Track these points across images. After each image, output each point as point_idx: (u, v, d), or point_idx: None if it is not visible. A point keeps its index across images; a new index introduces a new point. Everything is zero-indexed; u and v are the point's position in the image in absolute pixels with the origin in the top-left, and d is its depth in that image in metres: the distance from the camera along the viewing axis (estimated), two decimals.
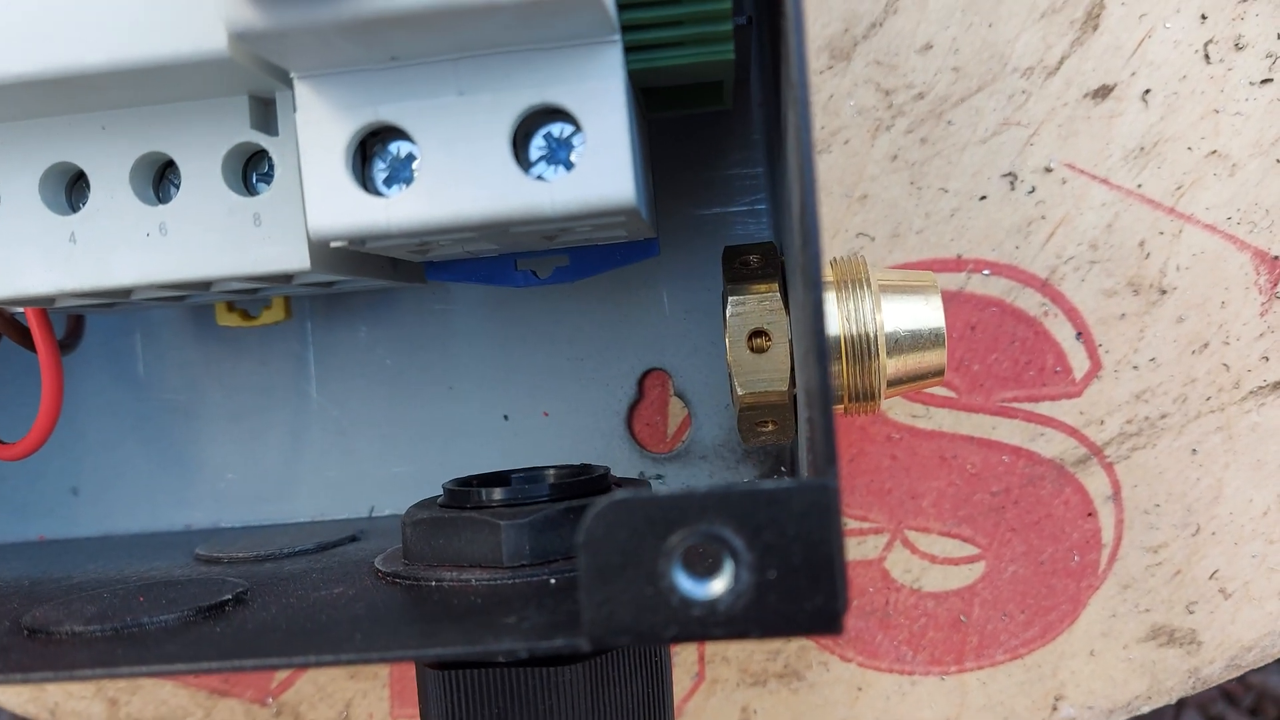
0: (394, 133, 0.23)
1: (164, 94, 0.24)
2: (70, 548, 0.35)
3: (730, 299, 0.28)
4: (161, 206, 0.25)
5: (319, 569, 0.28)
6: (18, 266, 0.25)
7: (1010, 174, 0.34)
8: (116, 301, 0.28)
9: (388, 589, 0.25)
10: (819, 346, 0.19)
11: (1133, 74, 0.34)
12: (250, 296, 0.31)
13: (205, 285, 0.26)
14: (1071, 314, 0.34)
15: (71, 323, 0.34)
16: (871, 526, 0.35)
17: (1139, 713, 0.34)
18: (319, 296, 0.35)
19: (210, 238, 0.25)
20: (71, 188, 0.26)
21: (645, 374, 0.35)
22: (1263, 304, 0.33)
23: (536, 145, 0.23)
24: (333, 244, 0.23)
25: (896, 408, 0.35)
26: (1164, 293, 0.34)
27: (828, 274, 0.29)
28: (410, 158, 0.23)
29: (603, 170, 0.22)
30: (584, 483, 0.27)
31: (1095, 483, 0.34)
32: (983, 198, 0.34)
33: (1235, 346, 0.33)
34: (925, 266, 0.34)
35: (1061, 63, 0.34)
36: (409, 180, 0.22)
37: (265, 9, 0.19)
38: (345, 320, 0.36)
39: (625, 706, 0.26)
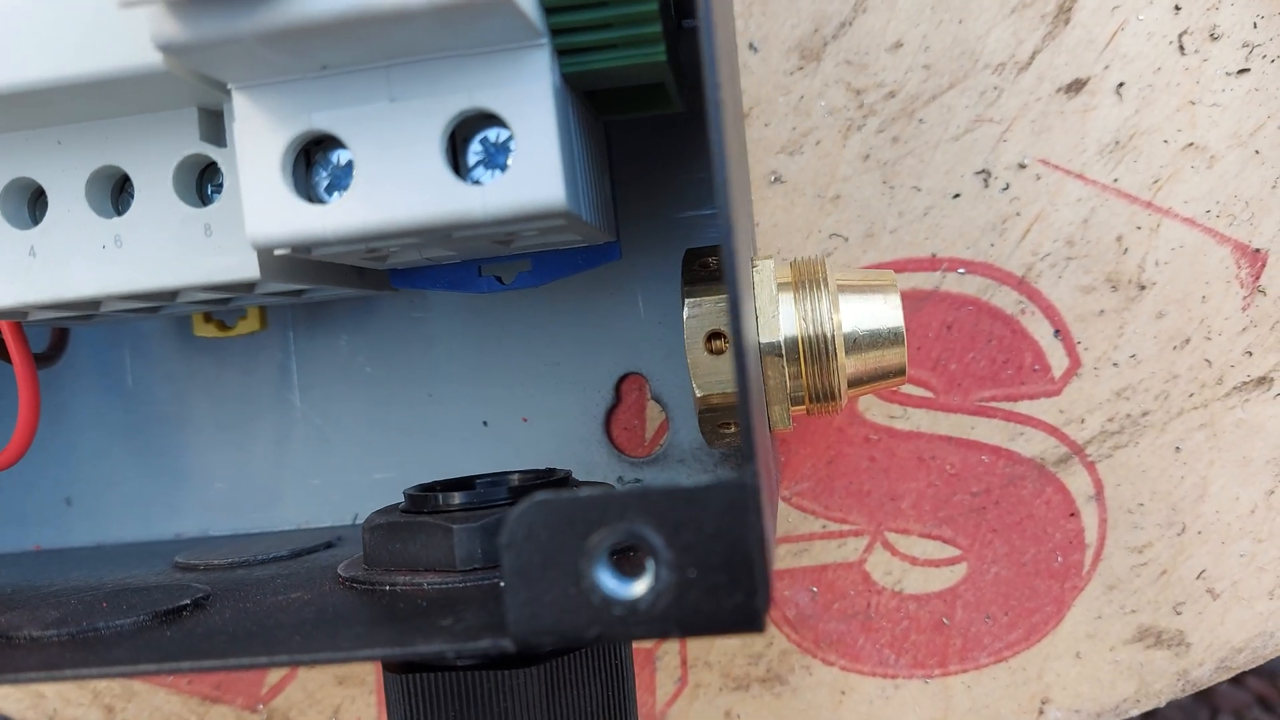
0: (335, 141, 0.23)
1: (114, 108, 0.24)
2: (63, 557, 0.36)
3: (687, 301, 0.28)
4: (117, 219, 0.25)
5: (285, 575, 0.28)
6: None
7: (984, 171, 0.34)
8: (89, 314, 0.29)
9: (343, 593, 0.25)
10: (737, 343, 0.19)
11: (1106, 67, 0.33)
12: (223, 307, 0.31)
13: (169, 295, 0.27)
14: (1049, 311, 0.33)
15: (55, 335, 0.35)
16: (851, 528, 0.34)
17: (1127, 715, 0.33)
18: (299, 306, 0.36)
19: (164, 249, 0.25)
20: (35, 203, 0.26)
21: (622, 378, 0.35)
22: (1245, 298, 0.33)
23: (474, 150, 0.23)
24: (276, 252, 0.24)
25: (874, 408, 0.34)
26: (1143, 288, 0.33)
27: (786, 275, 0.28)
28: (350, 165, 0.23)
29: (533, 173, 0.22)
30: (543, 486, 0.27)
31: (1077, 482, 0.33)
32: (956, 196, 0.34)
33: (1217, 342, 0.33)
34: (900, 266, 0.34)
35: (1033, 58, 0.33)
36: (348, 188, 0.23)
37: (186, 23, 0.20)
38: (326, 329, 0.36)
39: (584, 710, 0.26)
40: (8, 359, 0.30)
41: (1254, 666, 0.33)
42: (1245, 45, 0.32)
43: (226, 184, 0.25)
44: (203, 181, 0.26)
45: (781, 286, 0.28)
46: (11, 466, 0.31)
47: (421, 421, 0.36)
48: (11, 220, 0.26)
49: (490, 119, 0.23)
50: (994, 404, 0.34)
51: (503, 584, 0.19)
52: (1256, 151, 0.33)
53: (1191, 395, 0.33)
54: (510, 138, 0.22)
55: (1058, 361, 0.33)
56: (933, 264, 0.34)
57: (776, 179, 0.35)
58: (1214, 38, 0.33)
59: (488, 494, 0.27)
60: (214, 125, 0.25)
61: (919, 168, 0.34)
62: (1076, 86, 0.33)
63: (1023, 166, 0.33)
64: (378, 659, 0.20)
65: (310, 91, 0.22)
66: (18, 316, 0.28)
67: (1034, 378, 0.34)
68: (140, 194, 0.25)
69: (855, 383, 0.28)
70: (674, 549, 0.19)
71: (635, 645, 0.31)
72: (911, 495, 0.34)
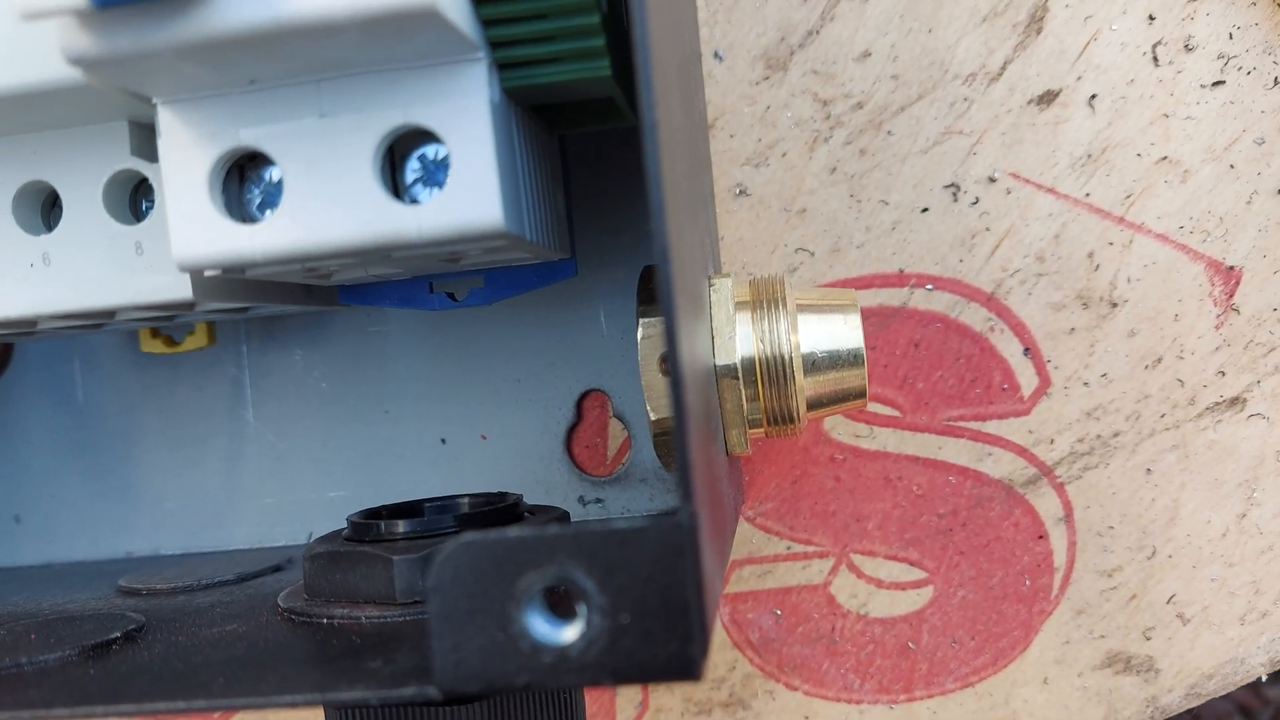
0: (267, 158, 0.22)
1: (40, 121, 0.23)
2: (10, 576, 0.35)
3: (642, 321, 0.27)
4: (45, 236, 0.24)
5: (225, 603, 0.27)
6: None
7: (953, 185, 0.33)
8: (27, 331, 0.28)
9: (279, 626, 0.24)
10: (674, 369, 0.19)
11: (1078, 78, 0.32)
12: (168, 323, 0.31)
13: (104, 314, 0.26)
14: (1019, 329, 0.33)
15: None
16: (816, 550, 0.34)
17: None
18: (251, 320, 0.35)
19: (93, 267, 0.24)
20: None
21: (584, 395, 0.34)
22: (1218, 316, 0.32)
23: (412, 167, 0.22)
24: (207, 273, 0.23)
25: (840, 428, 0.33)
26: (1115, 305, 0.32)
27: (744, 294, 0.28)
28: (281, 183, 0.22)
29: (470, 193, 0.21)
30: (491, 513, 0.26)
31: (1046, 504, 0.33)
32: (925, 210, 0.33)
33: (1190, 361, 0.32)
34: (866, 282, 0.33)
35: (1004, 68, 0.33)
36: (278, 206, 0.22)
37: (97, 36, 0.19)
38: (281, 344, 0.35)
39: None
40: None
41: (1224, 694, 0.32)
42: (1220, 56, 0.32)
43: (158, 201, 0.24)
44: (136, 197, 0.25)
45: (739, 306, 0.27)
46: None
47: (378, 439, 0.35)
48: None
49: (429, 135, 0.22)
50: (962, 424, 0.33)
51: (429, 628, 0.18)
52: (1231, 166, 0.32)
53: (1163, 416, 0.32)
54: (448, 155, 0.21)
55: (1027, 380, 0.33)
56: (900, 280, 0.33)
57: (742, 192, 0.34)
58: (1188, 49, 0.32)
59: (433, 522, 0.26)
60: (146, 139, 0.24)
61: (887, 181, 0.33)
62: (1048, 98, 0.32)
63: (993, 180, 0.33)
64: (297, 705, 0.19)
65: (238, 106, 0.21)
66: None
67: (1003, 397, 0.33)
68: (69, 210, 0.24)
69: (815, 405, 0.27)
70: (607, 593, 0.18)
71: None
72: (878, 516, 0.33)
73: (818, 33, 0.33)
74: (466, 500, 0.28)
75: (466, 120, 0.21)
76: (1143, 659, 0.32)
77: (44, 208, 0.25)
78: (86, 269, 0.24)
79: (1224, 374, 0.32)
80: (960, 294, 0.33)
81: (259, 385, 0.35)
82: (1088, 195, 0.32)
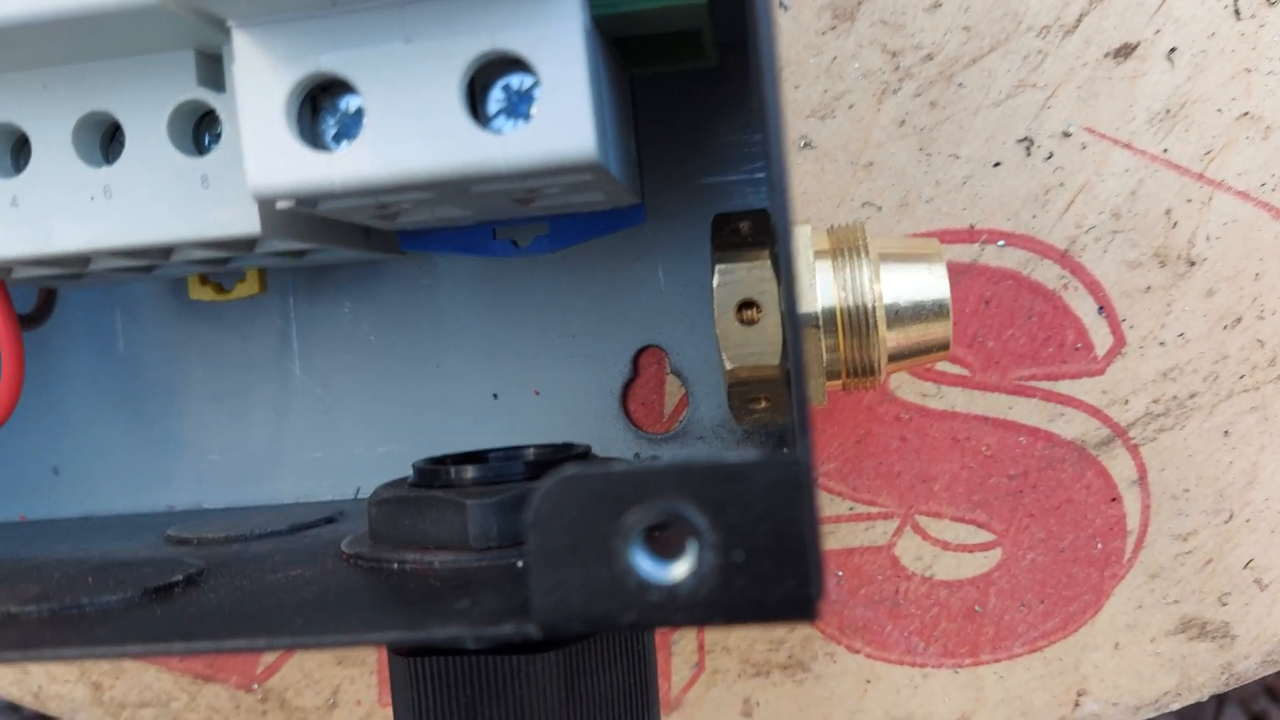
0: (344, 86, 0.21)
1: (104, 48, 0.23)
2: (49, 529, 0.34)
3: (718, 267, 0.26)
4: (106, 168, 0.23)
5: (284, 551, 0.27)
6: None
7: (1026, 139, 0.32)
8: (77, 272, 0.27)
9: (347, 572, 0.24)
10: (791, 310, 0.18)
11: (1157, 31, 0.31)
12: (221, 268, 0.30)
13: (162, 253, 0.25)
14: (1093, 287, 0.32)
15: (42, 296, 0.33)
16: (880, 511, 0.33)
17: (1168, 709, 0.32)
18: (301, 270, 0.34)
19: (156, 201, 0.23)
20: (18, 150, 0.24)
21: (640, 351, 0.33)
22: None
23: (495, 98, 0.21)
24: (279, 205, 0.22)
25: (905, 386, 0.33)
26: (1193, 264, 0.31)
27: (824, 242, 0.27)
28: (360, 112, 0.21)
29: (560, 122, 0.20)
30: (562, 461, 0.26)
31: (1119, 466, 0.32)
32: (997, 164, 0.32)
33: (1270, 321, 0.31)
34: (936, 237, 0.32)
35: (1080, 20, 0.32)
36: (358, 136, 0.21)
37: None
38: (329, 295, 0.34)
39: (603, 697, 0.24)
40: None
41: None
42: None
43: (225, 132, 0.23)
44: (200, 130, 0.24)
45: (819, 254, 0.26)
46: (9, 414, 0.29)
47: (429, 393, 0.34)
48: None
49: (513, 64, 0.21)
50: (1033, 383, 0.32)
51: (525, 564, 0.17)
52: None
53: (1242, 377, 0.31)
54: (535, 85, 0.21)
55: (1101, 340, 0.32)
56: (971, 235, 0.32)
57: (806, 144, 0.33)
58: (1271, 3, 0.31)
59: (502, 469, 0.25)
60: (212, 69, 0.23)
61: (957, 134, 0.32)
62: (1125, 51, 0.31)
63: (1067, 135, 0.32)
64: (389, 643, 0.18)
65: (318, 31, 0.20)
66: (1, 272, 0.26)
67: (1076, 356, 0.32)
68: (131, 142, 0.23)
69: (896, 357, 0.27)
70: (718, 530, 0.17)
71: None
72: (944, 477, 0.32)
73: None
74: (533, 449, 0.27)
75: (559, 47, 0.20)
76: (1218, 625, 0.31)
77: (104, 139, 0.24)
78: (149, 202, 0.23)
79: None
80: (1033, 250, 0.32)
81: (306, 337, 0.35)
82: (1165, 151, 0.31)
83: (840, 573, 0.33)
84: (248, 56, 0.21)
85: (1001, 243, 0.32)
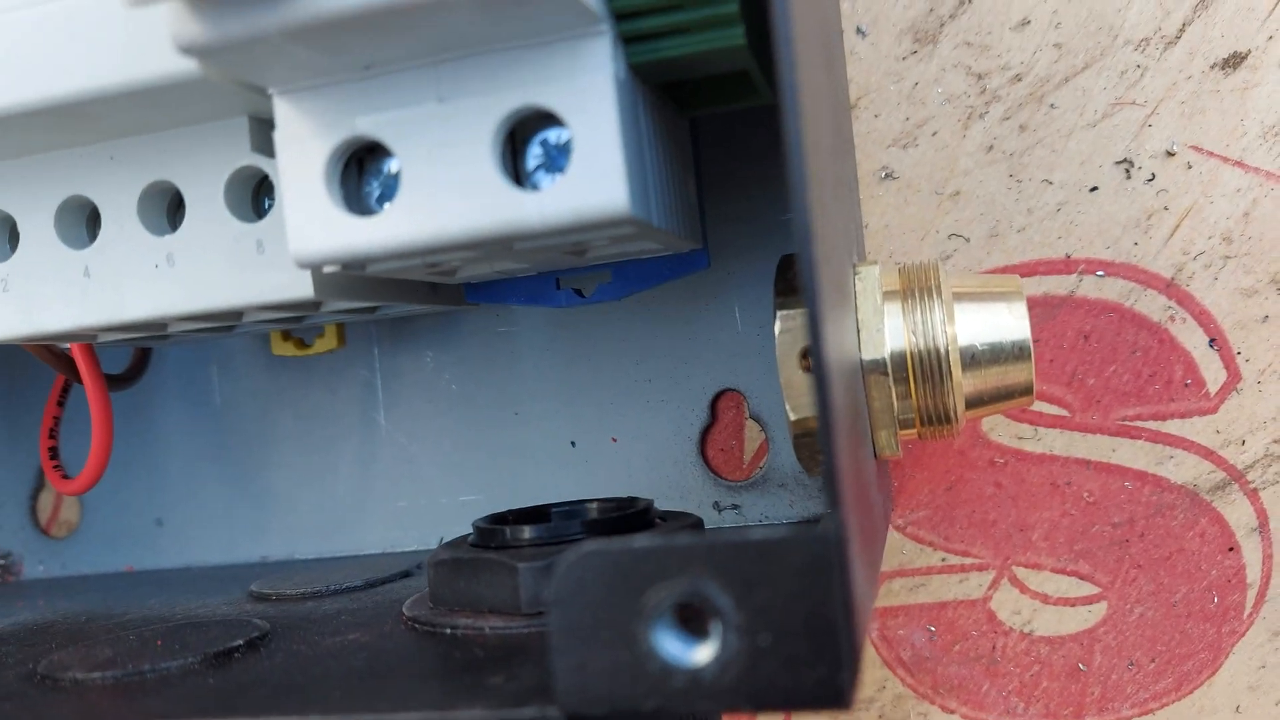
0: (385, 149, 0.21)
1: (163, 119, 0.23)
2: (150, 579, 0.35)
3: (779, 313, 0.25)
4: (169, 236, 0.24)
5: (350, 610, 0.27)
6: (37, 303, 0.25)
7: (1125, 160, 0.30)
8: (160, 334, 0.28)
9: (402, 636, 0.23)
10: (818, 364, 0.17)
11: (1269, 38, 0.29)
12: (297, 324, 0.30)
13: (232, 315, 0.26)
14: (1203, 318, 0.29)
15: (136, 355, 0.34)
16: (974, 563, 0.31)
17: None
18: (381, 321, 0.34)
19: (215, 267, 0.24)
20: (93, 222, 0.25)
21: (718, 395, 0.33)
22: None
23: (534, 153, 0.21)
24: (325, 269, 0.22)
25: (1000, 428, 0.31)
26: None
27: (894, 282, 0.25)
28: (399, 174, 0.21)
29: (594, 176, 0.19)
30: (620, 519, 0.25)
31: (1237, 513, 0.29)
32: (1094, 189, 0.30)
33: None
34: (1030, 269, 0.31)
35: (1183, 30, 0.29)
36: (395, 197, 0.21)
37: (206, 22, 0.18)
38: (411, 345, 0.35)
39: None
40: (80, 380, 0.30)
41: None
42: None
43: (279, 197, 0.23)
44: (258, 195, 0.25)
45: (888, 295, 0.25)
46: (90, 489, 0.30)
47: (508, 441, 0.34)
48: (67, 240, 0.25)
49: (550, 118, 0.20)
50: (1139, 423, 0.30)
51: (549, 643, 0.17)
52: None
53: None
54: (571, 139, 0.20)
55: (1213, 375, 0.29)
56: (1068, 266, 0.30)
57: (888, 175, 0.31)
58: None
59: (560, 528, 0.25)
60: (266, 135, 0.24)
61: (1050, 159, 0.30)
62: (1234, 61, 0.29)
63: (1171, 154, 0.30)
64: None
65: (354, 95, 0.20)
66: (84, 338, 0.27)
67: (1185, 394, 0.30)
68: (192, 210, 0.24)
69: (974, 403, 0.25)
70: (744, 611, 0.16)
71: None
72: (1044, 526, 0.30)
73: (970, 1, 0.31)
74: (595, 505, 0.27)
75: (590, 98, 0.19)
76: None
77: (170, 208, 0.25)
78: (209, 269, 0.24)
79: None
80: (1135, 280, 0.30)
81: (390, 387, 0.35)
82: None
83: (933, 628, 0.31)
84: (287, 122, 0.21)
85: (1101, 273, 0.30)
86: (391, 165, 0.21)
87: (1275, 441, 0.29)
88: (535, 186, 0.20)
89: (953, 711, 0.31)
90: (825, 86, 0.22)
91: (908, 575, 0.31)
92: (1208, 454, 0.29)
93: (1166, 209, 0.30)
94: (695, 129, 0.28)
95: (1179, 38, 0.29)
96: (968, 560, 0.31)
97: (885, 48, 0.31)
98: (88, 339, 0.27)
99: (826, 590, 0.16)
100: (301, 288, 0.23)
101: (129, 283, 0.24)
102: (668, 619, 0.16)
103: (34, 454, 0.38)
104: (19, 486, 0.39)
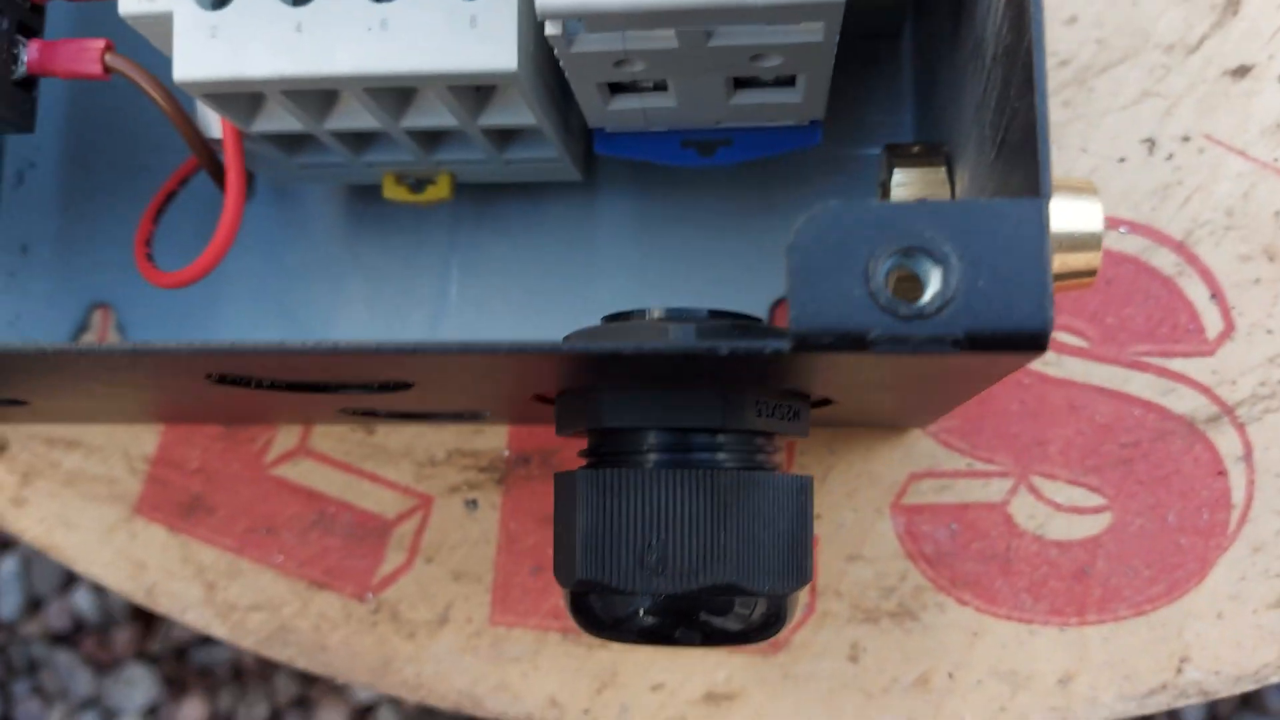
0: None
1: None
2: None
3: (895, 171, 0.29)
4: (385, 4, 0.27)
5: None
6: (244, 50, 0.27)
7: (1149, 140, 0.35)
8: (314, 130, 0.30)
9: None
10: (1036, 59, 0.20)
11: (1270, 57, 0.35)
12: (417, 166, 0.32)
13: (420, 80, 0.27)
14: (1205, 275, 0.35)
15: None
16: (997, 469, 0.34)
17: (1267, 683, 0.33)
18: (464, 199, 0.37)
19: (427, 34, 0.26)
20: None
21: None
22: None
23: None
24: (549, 29, 0.25)
25: None
26: None
27: None
28: None
29: None
30: (738, 314, 0.27)
31: (1226, 442, 0.34)
32: (1122, 160, 0.35)
33: None
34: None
35: (1201, 42, 0.35)
36: None
37: None
38: (492, 223, 0.37)
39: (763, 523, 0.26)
40: (220, 181, 0.31)
41: None
42: None
43: None
44: None
45: None
46: (204, 276, 0.31)
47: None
48: None
49: None
50: (1148, 359, 0.34)
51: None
52: None
53: None
54: None
55: (1212, 323, 0.34)
56: None
57: None
58: None
59: (689, 311, 0.27)
60: None
61: (1087, 131, 0.36)
62: (1242, 72, 0.35)
63: (1187, 140, 0.35)
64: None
65: None
66: (275, 87, 0.28)
67: (1188, 337, 0.34)
68: None
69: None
70: (965, 261, 0.19)
71: None
72: (1059, 441, 0.34)
73: None
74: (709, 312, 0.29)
75: None
76: None
77: None
78: (420, 36, 0.26)
79: None
80: (1152, 239, 0.35)
81: (466, 261, 0.37)
82: (1276, 160, 0.35)
83: (955, 525, 0.34)
84: None
85: (1124, 229, 0.35)
86: None
87: (1261, 384, 0.34)
88: None
89: (967, 604, 0.34)
90: None
91: (936, 477, 0.35)
92: (1205, 390, 0.34)
93: (1181, 183, 0.35)
94: None
95: (1199, 47, 0.36)
96: (991, 467, 0.34)
97: None
98: (274, 88, 0.28)
99: (1039, 245, 0.19)
100: (506, 59, 0.26)
101: (340, 41, 0.27)
102: (898, 261, 0.20)
103: (83, 294, 0.38)
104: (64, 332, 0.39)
